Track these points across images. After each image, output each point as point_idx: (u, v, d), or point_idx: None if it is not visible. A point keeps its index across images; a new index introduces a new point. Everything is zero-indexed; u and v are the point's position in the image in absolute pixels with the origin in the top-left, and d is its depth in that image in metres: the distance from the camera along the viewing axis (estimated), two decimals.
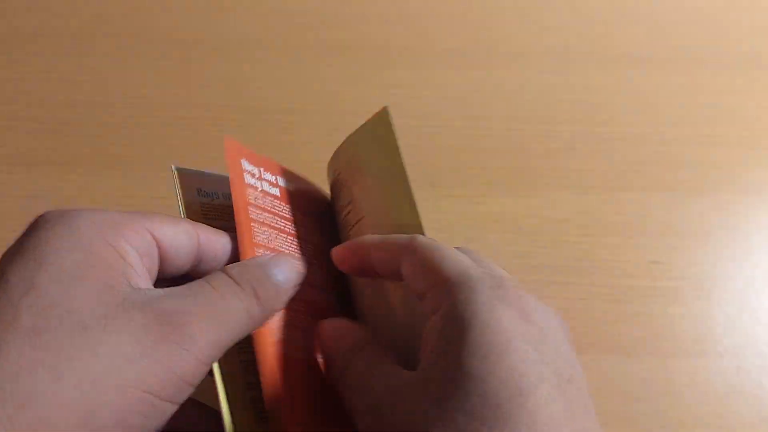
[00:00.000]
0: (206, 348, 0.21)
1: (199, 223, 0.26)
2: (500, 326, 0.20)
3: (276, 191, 0.30)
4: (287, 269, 0.26)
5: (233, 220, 0.27)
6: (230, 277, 0.24)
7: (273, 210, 0.29)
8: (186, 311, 0.21)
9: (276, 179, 0.31)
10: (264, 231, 0.28)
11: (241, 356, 0.25)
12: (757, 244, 0.42)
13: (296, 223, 0.30)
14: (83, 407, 0.18)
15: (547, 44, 0.51)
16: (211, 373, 0.23)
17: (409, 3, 0.53)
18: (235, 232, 0.26)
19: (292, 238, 0.29)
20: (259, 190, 0.29)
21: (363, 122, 0.29)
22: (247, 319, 0.23)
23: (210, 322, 0.22)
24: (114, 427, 0.19)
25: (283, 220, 0.29)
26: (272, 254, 0.27)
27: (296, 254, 0.29)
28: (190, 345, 0.21)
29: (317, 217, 0.32)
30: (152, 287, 0.23)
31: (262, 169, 0.30)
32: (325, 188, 0.33)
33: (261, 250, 0.27)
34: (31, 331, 0.19)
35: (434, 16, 0.52)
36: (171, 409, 0.21)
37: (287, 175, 0.32)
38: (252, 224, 0.27)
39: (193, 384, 0.21)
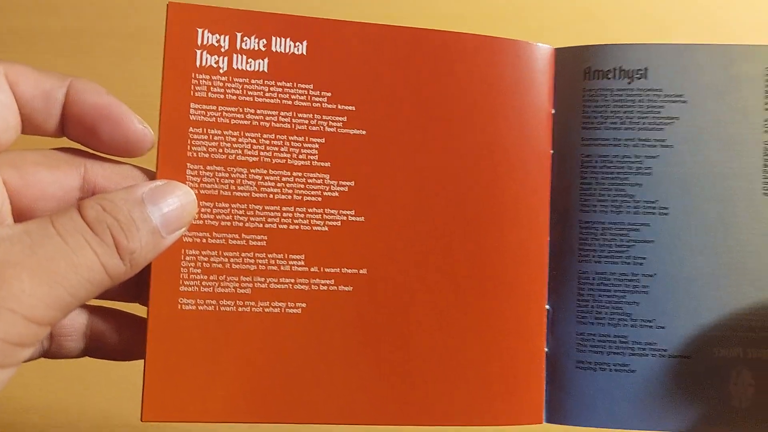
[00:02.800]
0: (38, 308, 0.18)
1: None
2: None
3: (262, 64, 0.23)
4: (174, 205, 0.21)
5: None
6: (84, 219, 0.19)
7: (249, 100, 0.23)
8: (13, 263, 0.18)
9: (270, 43, 0.23)
10: (225, 136, 0.22)
11: None
12: None
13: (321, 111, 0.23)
14: None
15: (547, 43, 0.51)
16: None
17: (409, 4, 0.53)
18: None
19: (299, 139, 0.23)
20: (222, 72, 0.23)
21: None
22: (103, 276, 0.19)
23: (43, 278, 0.18)
24: None
25: (281, 112, 0.23)
26: (159, 183, 0.22)
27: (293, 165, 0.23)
28: (14, 304, 0.18)
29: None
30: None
31: (240, 35, 0.23)
32: None
33: (215, 168, 0.22)
34: None
35: (435, 16, 0.52)
36: (5, 374, 0.19)
37: (310, 29, 0.24)
38: (190, 130, 0.22)
39: (28, 344, 0.19)
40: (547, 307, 0.27)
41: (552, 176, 0.27)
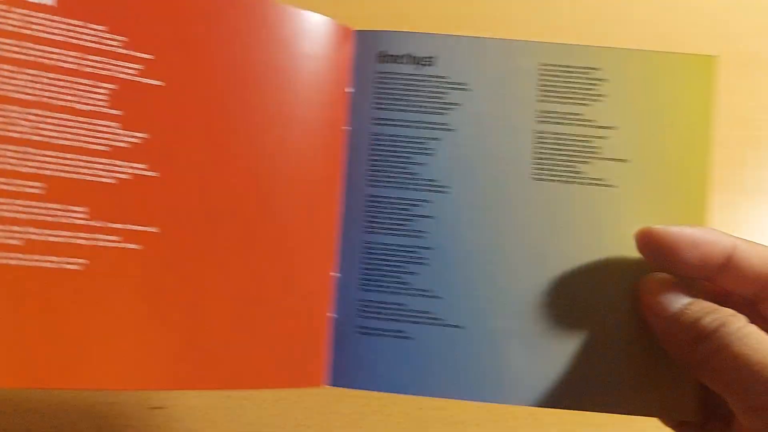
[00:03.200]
0: None
1: None
2: None
3: None
4: None
5: None
6: None
7: (30, 34, 0.21)
8: None
9: None
10: None
11: None
12: None
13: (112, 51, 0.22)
14: None
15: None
16: None
17: (409, 4, 0.53)
18: None
19: (86, 82, 0.22)
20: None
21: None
22: None
23: None
24: None
25: (67, 51, 0.22)
26: None
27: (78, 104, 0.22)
28: None
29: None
30: None
31: None
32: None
33: None
34: None
35: (435, 16, 0.52)
36: None
37: None
38: None
39: None
40: (336, 274, 0.28)
41: (346, 151, 0.28)
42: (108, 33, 0.22)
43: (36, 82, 0.21)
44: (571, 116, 0.28)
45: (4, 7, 0.20)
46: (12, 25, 0.20)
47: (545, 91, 0.28)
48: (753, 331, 0.22)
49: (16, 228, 0.22)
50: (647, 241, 0.26)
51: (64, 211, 0.23)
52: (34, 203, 0.22)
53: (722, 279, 0.25)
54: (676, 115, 0.28)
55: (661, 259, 0.25)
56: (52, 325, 0.23)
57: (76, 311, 0.23)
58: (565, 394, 0.27)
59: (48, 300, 0.23)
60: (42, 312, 0.22)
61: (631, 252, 0.27)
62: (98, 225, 0.23)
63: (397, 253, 0.28)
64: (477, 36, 0.28)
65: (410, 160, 0.28)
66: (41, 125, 0.22)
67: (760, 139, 0.46)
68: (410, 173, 0.28)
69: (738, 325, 0.23)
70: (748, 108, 0.48)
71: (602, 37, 0.48)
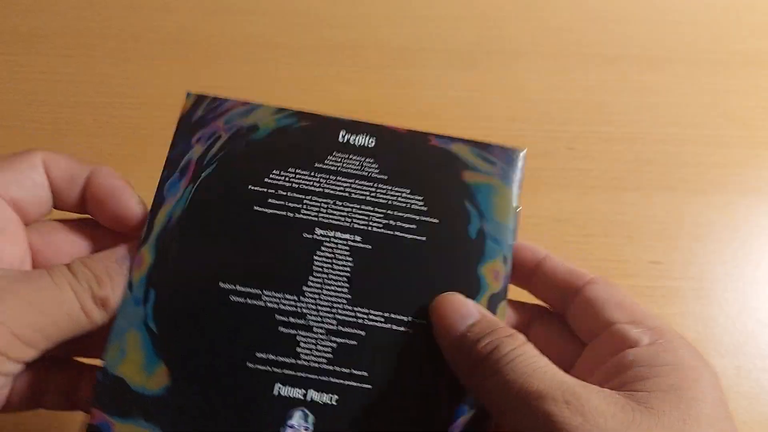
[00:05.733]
0: (26, 329, 0.22)
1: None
2: None
3: None
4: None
5: None
6: (70, 270, 0.24)
7: None
8: (10, 290, 0.22)
9: None
10: None
11: None
12: (758, 245, 0.42)
13: None
14: None
15: (548, 44, 0.51)
16: None
17: (410, 3, 0.53)
18: None
19: None
20: None
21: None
22: (80, 314, 0.23)
23: (33, 306, 0.22)
24: None
25: None
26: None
27: None
28: (4, 318, 0.21)
29: None
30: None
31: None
32: None
33: None
34: None
35: (435, 17, 0.52)
36: None
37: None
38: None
39: (9, 357, 0.22)
40: None
41: None
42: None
43: None
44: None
45: None
46: None
47: None
48: (523, 353, 0.22)
49: None
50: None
51: None
52: None
53: (533, 287, 0.27)
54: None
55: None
56: None
57: None
58: None
59: None
60: None
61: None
62: None
63: None
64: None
65: None
66: None
67: (760, 139, 0.47)
68: None
69: (510, 348, 0.22)
70: (748, 108, 0.48)
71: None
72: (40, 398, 0.25)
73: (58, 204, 0.26)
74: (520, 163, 0.29)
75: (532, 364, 0.22)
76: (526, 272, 0.27)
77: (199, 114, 0.29)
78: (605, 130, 0.46)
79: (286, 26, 0.51)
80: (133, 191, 0.26)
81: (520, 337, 0.23)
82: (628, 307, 0.25)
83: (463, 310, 0.25)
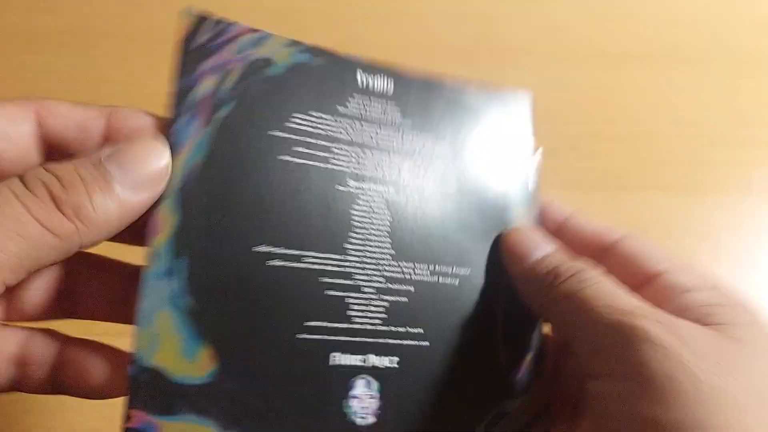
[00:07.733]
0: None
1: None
2: None
3: None
4: (139, 162, 0.20)
5: None
6: (22, 180, 0.19)
7: None
8: None
9: None
10: None
11: None
12: (758, 245, 0.42)
13: None
14: None
15: (549, 44, 0.51)
16: None
17: (410, 3, 0.53)
18: None
19: None
20: None
21: None
22: (44, 234, 0.19)
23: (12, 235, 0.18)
24: None
25: None
26: (124, 144, 0.21)
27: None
28: None
29: None
30: None
31: None
32: None
33: None
34: None
35: (435, 16, 0.52)
36: None
37: None
38: None
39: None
40: None
41: None
42: None
43: None
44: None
45: None
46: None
47: None
48: (606, 280, 0.23)
49: None
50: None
51: None
52: None
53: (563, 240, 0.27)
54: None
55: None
56: None
57: None
58: None
59: None
60: None
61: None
62: None
63: None
64: None
65: None
66: None
67: (760, 139, 0.47)
68: None
69: (593, 273, 0.23)
70: (751, 108, 0.48)
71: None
72: (73, 307, 0.23)
73: (65, 156, 0.22)
74: (528, 103, 0.29)
75: (618, 289, 0.22)
76: (551, 230, 0.27)
77: (203, 39, 0.25)
78: (606, 130, 0.46)
79: (286, 25, 0.51)
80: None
81: (602, 268, 0.24)
82: (671, 258, 0.25)
83: (537, 238, 0.25)
